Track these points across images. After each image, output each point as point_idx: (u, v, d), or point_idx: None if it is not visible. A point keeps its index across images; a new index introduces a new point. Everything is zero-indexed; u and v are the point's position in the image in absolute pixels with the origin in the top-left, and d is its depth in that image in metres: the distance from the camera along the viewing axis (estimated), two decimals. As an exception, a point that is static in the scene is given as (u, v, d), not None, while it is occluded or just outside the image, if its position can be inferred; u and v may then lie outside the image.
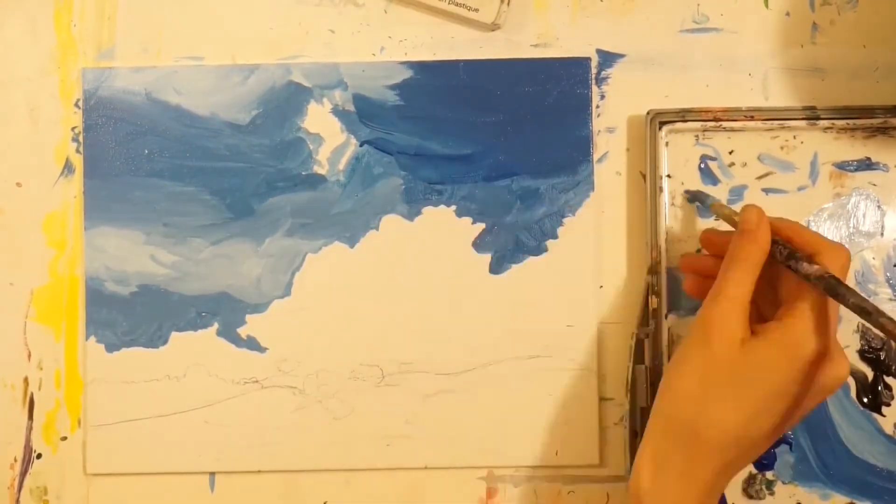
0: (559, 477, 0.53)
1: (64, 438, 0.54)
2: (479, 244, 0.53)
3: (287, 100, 0.54)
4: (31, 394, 0.54)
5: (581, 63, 0.53)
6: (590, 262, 0.53)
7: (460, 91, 0.54)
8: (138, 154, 0.54)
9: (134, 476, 0.53)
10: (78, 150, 0.54)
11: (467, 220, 0.53)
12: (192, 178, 0.54)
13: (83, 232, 0.53)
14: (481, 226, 0.53)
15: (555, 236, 0.53)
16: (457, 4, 0.53)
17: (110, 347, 0.53)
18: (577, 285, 0.53)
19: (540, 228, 0.53)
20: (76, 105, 0.54)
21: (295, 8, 0.54)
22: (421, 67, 0.54)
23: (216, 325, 0.53)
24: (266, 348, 0.53)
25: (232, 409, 0.53)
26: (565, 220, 0.53)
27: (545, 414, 0.53)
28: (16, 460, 0.54)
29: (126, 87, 0.54)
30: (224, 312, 0.53)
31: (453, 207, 0.53)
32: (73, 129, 0.54)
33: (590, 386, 0.53)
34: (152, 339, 0.53)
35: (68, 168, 0.54)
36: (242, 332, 0.53)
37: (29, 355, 0.54)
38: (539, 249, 0.53)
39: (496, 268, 0.53)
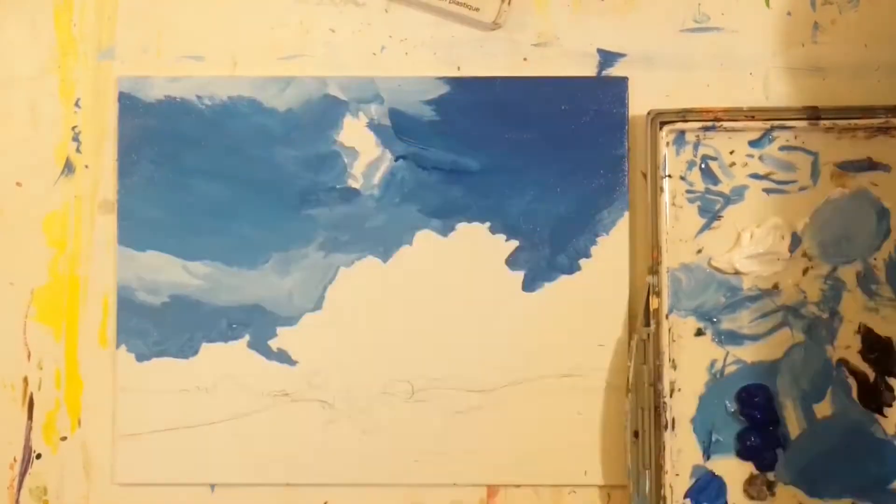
0: (560, 477, 0.53)
1: (64, 438, 0.54)
2: (512, 261, 0.53)
3: (323, 113, 0.53)
4: (31, 394, 0.54)
5: (619, 82, 0.53)
6: (623, 281, 0.53)
7: (496, 108, 0.53)
8: (171, 164, 0.53)
9: (160, 486, 0.53)
10: (78, 150, 0.54)
11: (501, 236, 0.53)
12: (225, 190, 0.53)
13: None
14: (515, 243, 0.53)
15: (588, 255, 0.53)
16: (458, 4, 0.53)
17: (140, 357, 0.53)
18: (610, 305, 0.53)
19: (573, 247, 0.53)
20: (76, 104, 0.54)
21: (295, 7, 0.54)
22: (457, 83, 0.53)
23: (247, 337, 0.53)
24: (296, 361, 0.53)
25: (261, 421, 0.53)
26: (599, 240, 0.53)
27: (575, 433, 0.52)
28: (15, 460, 0.54)
29: (160, 97, 0.54)
30: (255, 324, 0.53)
31: (487, 224, 0.53)
32: (73, 128, 0.54)
33: (621, 405, 0.52)
34: (183, 349, 0.53)
35: (68, 168, 0.54)
36: (273, 344, 0.53)
37: (29, 355, 0.54)
38: (572, 268, 0.53)
39: (529, 285, 0.53)
